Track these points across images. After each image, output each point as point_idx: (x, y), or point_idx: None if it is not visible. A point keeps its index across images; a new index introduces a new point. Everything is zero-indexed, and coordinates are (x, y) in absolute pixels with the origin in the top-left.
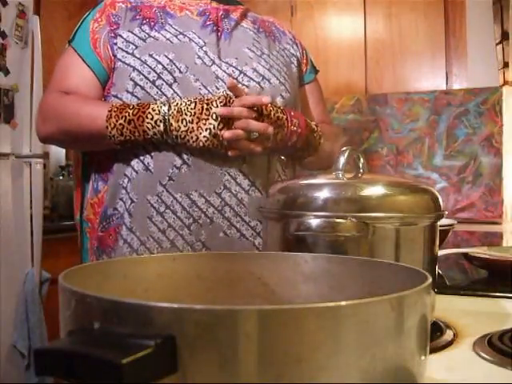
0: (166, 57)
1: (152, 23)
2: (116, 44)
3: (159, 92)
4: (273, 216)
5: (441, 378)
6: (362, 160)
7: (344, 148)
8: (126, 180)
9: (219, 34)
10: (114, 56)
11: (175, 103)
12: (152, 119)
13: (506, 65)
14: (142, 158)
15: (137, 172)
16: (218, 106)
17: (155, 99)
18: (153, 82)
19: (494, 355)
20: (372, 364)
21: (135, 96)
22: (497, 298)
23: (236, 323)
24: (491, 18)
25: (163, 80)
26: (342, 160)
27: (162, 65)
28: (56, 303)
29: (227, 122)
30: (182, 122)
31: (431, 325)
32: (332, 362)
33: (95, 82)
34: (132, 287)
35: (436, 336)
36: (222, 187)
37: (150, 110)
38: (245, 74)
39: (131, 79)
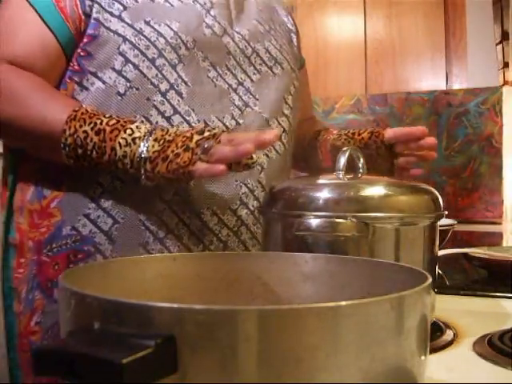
0: (169, 27)
1: None
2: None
3: (159, 75)
4: (273, 216)
5: (441, 378)
6: (361, 160)
7: (344, 148)
8: (99, 190)
9: None
10: (85, 15)
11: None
12: (131, 135)
13: (506, 65)
14: None
15: (122, 181)
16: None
17: (153, 83)
18: (152, 61)
19: (494, 355)
20: (372, 364)
21: (123, 76)
22: (497, 298)
23: (236, 323)
24: (491, 18)
25: (166, 59)
26: (342, 160)
27: (165, 38)
28: None
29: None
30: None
31: (431, 325)
32: (332, 362)
33: (57, 51)
34: (132, 287)
35: (436, 336)
36: (239, 202)
37: (134, 126)
38: (257, 54)
39: (121, 53)
